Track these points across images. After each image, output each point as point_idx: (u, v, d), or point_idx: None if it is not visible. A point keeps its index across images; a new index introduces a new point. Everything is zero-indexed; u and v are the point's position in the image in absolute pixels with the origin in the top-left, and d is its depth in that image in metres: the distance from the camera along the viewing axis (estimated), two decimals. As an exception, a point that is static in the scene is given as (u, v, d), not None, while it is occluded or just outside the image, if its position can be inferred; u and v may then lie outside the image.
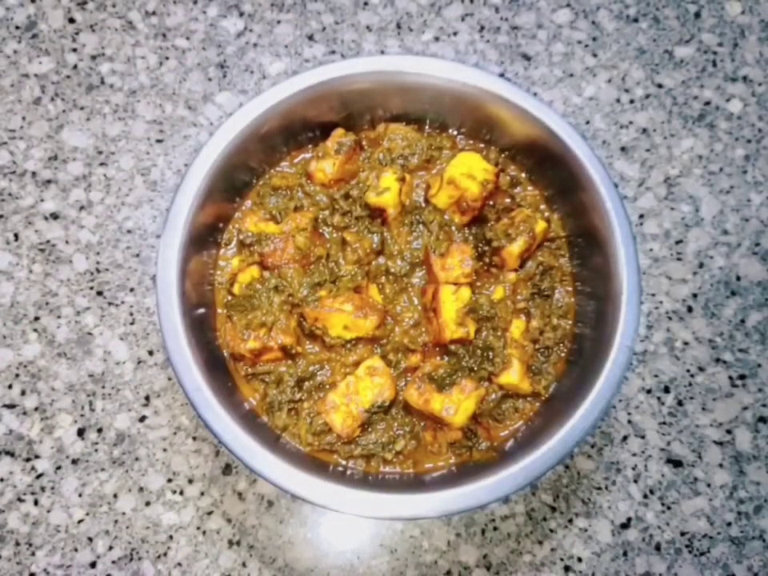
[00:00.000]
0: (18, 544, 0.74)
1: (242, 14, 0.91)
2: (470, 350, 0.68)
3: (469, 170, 0.70)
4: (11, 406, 0.77)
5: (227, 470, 0.76)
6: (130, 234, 0.84)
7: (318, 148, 0.74)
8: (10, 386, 0.78)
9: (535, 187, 0.76)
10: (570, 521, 0.76)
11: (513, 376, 0.66)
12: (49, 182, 0.85)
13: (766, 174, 0.87)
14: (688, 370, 0.80)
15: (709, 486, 0.77)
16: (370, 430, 0.68)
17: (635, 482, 0.77)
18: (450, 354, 0.68)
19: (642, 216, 0.86)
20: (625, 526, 0.76)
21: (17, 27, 0.91)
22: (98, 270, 0.82)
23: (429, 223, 0.72)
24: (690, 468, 0.78)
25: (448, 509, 0.59)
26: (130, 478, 0.76)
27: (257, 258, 0.70)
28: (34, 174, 0.85)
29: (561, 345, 0.71)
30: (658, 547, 0.75)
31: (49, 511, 0.75)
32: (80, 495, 0.75)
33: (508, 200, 0.74)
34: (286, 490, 0.60)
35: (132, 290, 0.82)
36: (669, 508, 0.77)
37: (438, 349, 0.69)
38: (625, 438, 0.78)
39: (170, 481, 0.76)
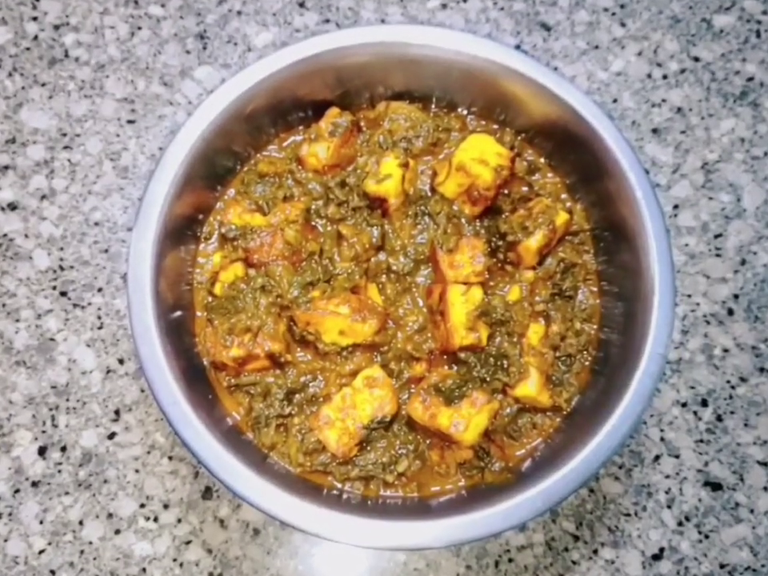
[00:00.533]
0: (-29, 577, 0.74)
1: (224, -22, 0.92)
2: (481, 358, 0.68)
3: (480, 154, 0.70)
4: (-37, 422, 0.78)
5: (207, 493, 0.76)
6: (97, 227, 0.84)
7: (311, 130, 0.74)
8: (-38, 399, 0.78)
9: (556, 174, 0.76)
10: (595, 551, 0.76)
11: (530, 387, 0.66)
12: (6, 167, 0.85)
13: (817, 159, 0.87)
14: (728, 381, 0.81)
15: (752, 512, 0.77)
16: (368, 448, 0.67)
17: (669, 507, 0.77)
18: (460, 362, 0.68)
19: (676, 206, 0.86)
20: (657, 557, 0.76)
21: (-31, -7, 0.91)
22: (61, 268, 0.82)
23: (435, 215, 0.72)
24: (730, 492, 0.78)
25: (457, 538, 0.59)
26: (98, 502, 0.76)
27: (241, 254, 0.70)
28: (-11, 159, 0.86)
29: (584, 352, 0.71)
30: (694, 581, 0.76)
31: (6, 540, 0.75)
32: (41, 522, 0.76)
33: (525, 188, 0.74)
34: (273, 517, 0.60)
35: (100, 290, 0.82)
36: (707, 537, 0.77)
37: (445, 357, 0.69)
38: (657, 457, 0.78)
39: (142, 506, 0.76)
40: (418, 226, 0.73)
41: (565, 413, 0.69)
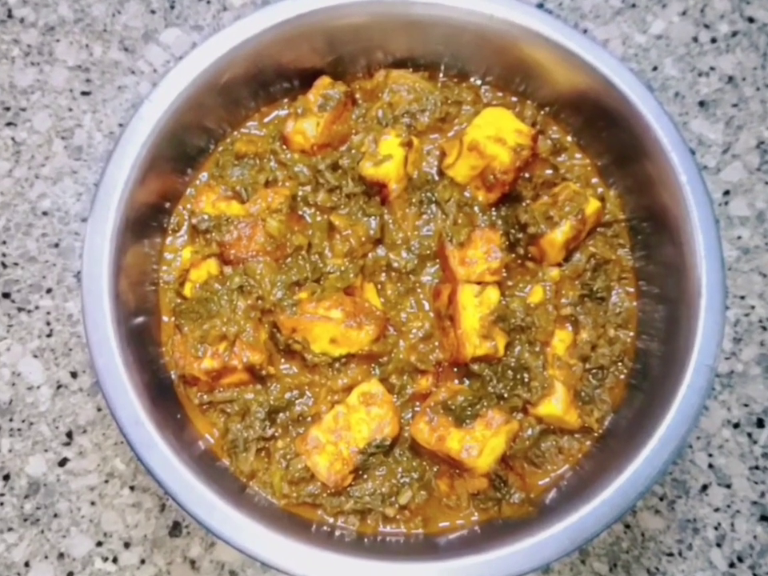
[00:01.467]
0: None
1: (195, -75, 0.91)
2: (498, 370, 0.68)
3: (497, 131, 0.70)
4: None
5: (176, 530, 0.76)
6: (46, 217, 0.84)
7: (297, 103, 0.73)
8: None
9: (585, 155, 0.76)
10: (632, 598, 0.76)
11: (555, 405, 0.66)
12: (-61, 147, 0.86)
13: None
14: (788, 398, 0.81)
15: (816, 551, 0.77)
16: (365, 477, 0.67)
17: (718, 545, 0.77)
18: (472, 376, 0.68)
19: (727, 193, 0.86)
20: (704, 604, 0.76)
21: None
22: (3, 265, 0.82)
23: (444, 202, 0.72)
24: (790, 528, 0.78)
25: (469, 582, 0.59)
26: (47, 540, 0.76)
27: (215, 248, 0.70)
28: None
29: (619, 364, 0.71)
30: (748, 633, 0.76)
31: (-61, 585, 0.75)
32: (-20, 564, 0.76)
33: (549, 171, 0.74)
34: (253, 557, 0.59)
35: (49, 290, 0.82)
36: (763, 581, 0.77)
37: (455, 369, 0.69)
38: (704, 487, 0.79)
39: (99, 544, 0.76)
40: (424, 216, 0.72)
41: (596, 435, 0.69)
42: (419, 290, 0.71)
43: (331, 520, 0.67)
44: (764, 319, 0.82)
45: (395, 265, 0.71)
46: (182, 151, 0.71)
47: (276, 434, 0.68)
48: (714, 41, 0.90)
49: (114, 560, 0.75)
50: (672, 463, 0.74)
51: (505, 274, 0.70)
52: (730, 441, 0.79)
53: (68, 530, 0.76)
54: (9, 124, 0.86)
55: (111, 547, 0.76)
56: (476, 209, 0.72)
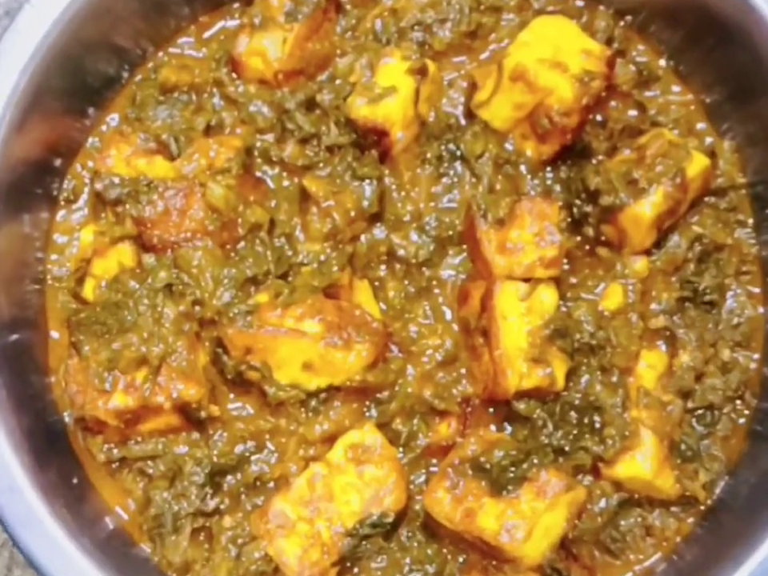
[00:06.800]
0: None
1: None
2: (555, 411, 0.64)
3: (554, 52, 0.66)
4: None
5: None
6: None
7: (253, 9, 0.70)
8: None
9: (687, 88, 0.72)
10: None
11: (641, 464, 0.62)
12: None
13: None
14: None
15: None
16: (356, 570, 0.64)
17: None
18: (517, 419, 0.65)
19: None
20: None
21: None
22: None
23: (474, 159, 0.68)
24: None
25: None
26: None
27: (130, 228, 0.66)
28: None
29: (738, 401, 0.67)
30: None
31: None
32: None
33: (633, 113, 0.71)
34: None
35: None
36: None
37: (491, 410, 0.66)
38: None
39: None
40: (444, 180, 0.69)
41: (703, 508, 0.65)
42: (437, 291, 0.68)
43: (304, 636, 0.67)
44: None
45: (401, 253, 0.68)
46: (80, 81, 0.68)
47: (222, 507, 0.65)
48: None
49: None
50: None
51: (566, 267, 0.66)
52: None
53: None
54: None
55: None
56: (522, 169, 0.69)
